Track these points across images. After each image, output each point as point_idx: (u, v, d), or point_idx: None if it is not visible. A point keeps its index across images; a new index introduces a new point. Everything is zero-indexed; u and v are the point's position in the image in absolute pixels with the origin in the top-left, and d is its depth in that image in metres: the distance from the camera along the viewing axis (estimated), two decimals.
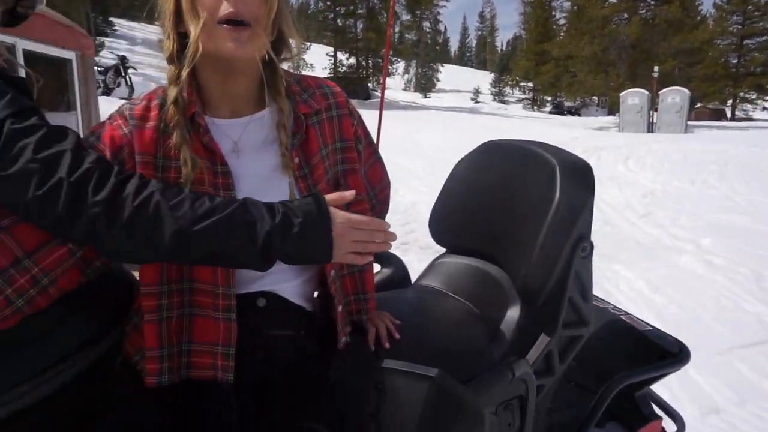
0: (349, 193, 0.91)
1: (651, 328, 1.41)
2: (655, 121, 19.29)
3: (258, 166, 0.95)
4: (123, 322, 0.97)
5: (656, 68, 21.09)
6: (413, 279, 1.52)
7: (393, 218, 5.69)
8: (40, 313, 0.85)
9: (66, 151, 0.79)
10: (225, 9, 0.85)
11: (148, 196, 0.80)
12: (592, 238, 1.13)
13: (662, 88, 19.70)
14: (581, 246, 1.12)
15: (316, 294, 1.08)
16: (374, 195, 1.17)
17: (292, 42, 0.96)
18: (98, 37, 24.81)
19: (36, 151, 0.77)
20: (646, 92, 19.69)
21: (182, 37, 0.90)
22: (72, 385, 0.89)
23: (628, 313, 1.50)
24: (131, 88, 14.91)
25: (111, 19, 33.85)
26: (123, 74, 15.27)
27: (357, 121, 1.06)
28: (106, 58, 18.34)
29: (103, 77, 14.51)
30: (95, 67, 12.25)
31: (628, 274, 3.98)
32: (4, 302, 0.82)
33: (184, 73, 0.89)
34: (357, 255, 0.88)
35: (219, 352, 0.92)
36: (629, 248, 4.77)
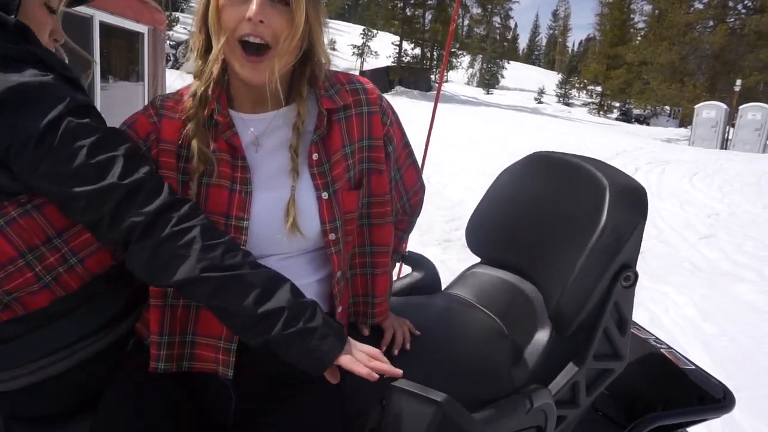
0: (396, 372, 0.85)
1: (694, 367, 1.32)
2: (730, 137, 18.21)
3: (273, 162, 0.94)
4: (142, 303, 0.99)
5: (738, 81, 19.85)
6: (444, 284, 1.48)
7: (438, 213, 5.62)
8: (70, 294, 0.88)
9: (119, 157, 0.81)
10: (244, 29, 0.84)
11: (188, 228, 0.81)
12: (645, 256, 1.06)
13: (743, 104, 18.55)
14: (624, 275, 1.05)
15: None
16: (407, 199, 1.14)
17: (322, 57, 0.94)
18: (173, 13, 25.72)
19: (90, 155, 0.79)
20: (724, 106, 18.61)
21: (210, 34, 0.90)
22: (91, 362, 0.91)
23: (670, 348, 1.41)
24: None
25: None
26: None
27: (391, 120, 1.03)
28: (180, 32, 19.03)
29: (174, 51, 15.07)
30: (168, 42, 12.76)
31: (678, 298, 3.77)
32: (33, 278, 0.85)
33: (202, 83, 0.90)
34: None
35: (221, 347, 0.92)
36: (684, 270, 4.51)
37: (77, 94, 0.85)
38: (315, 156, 0.94)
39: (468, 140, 11.17)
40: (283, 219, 0.91)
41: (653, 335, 1.47)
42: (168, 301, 0.92)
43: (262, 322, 0.81)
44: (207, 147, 0.91)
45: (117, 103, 5.21)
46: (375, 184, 1.01)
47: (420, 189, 1.17)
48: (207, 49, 0.91)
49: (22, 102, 0.78)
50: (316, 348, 0.81)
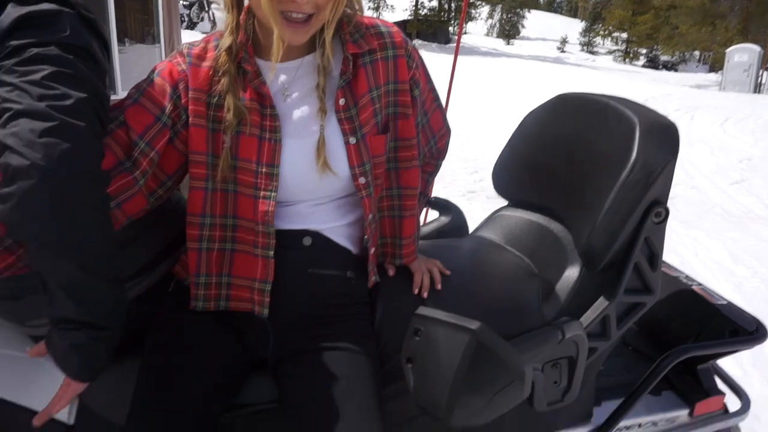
0: None
1: (726, 302, 1.32)
2: (764, 81, 17.47)
3: (302, 108, 0.95)
4: (179, 248, 1.01)
5: None
6: (471, 229, 1.49)
7: (461, 165, 5.59)
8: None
9: (76, 98, 0.74)
10: (288, 6, 0.84)
11: (99, 193, 0.77)
12: (675, 202, 1.04)
13: None
14: (655, 211, 1.04)
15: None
16: (434, 143, 1.14)
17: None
18: None
19: (47, 77, 0.74)
20: (757, 48, 17.76)
21: None
22: (129, 307, 0.94)
23: (701, 284, 1.40)
24: (213, 23, 15.28)
25: None
26: (206, 9, 15.63)
27: (416, 63, 1.02)
28: None
29: (187, 12, 14.89)
30: (180, 2, 12.60)
31: (708, 243, 3.72)
32: None
33: (234, 38, 0.90)
34: None
35: (256, 288, 0.95)
36: (714, 215, 4.44)
37: (86, 34, 0.82)
38: (342, 101, 0.94)
39: (489, 92, 10.96)
40: (313, 163, 0.93)
41: (684, 273, 1.47)
42: (204, 245, 0.96)
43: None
44: (246, 95, 0.92)
45: (135, 66, 5.22)
46: (402, 128, 1.01)
47: (446, 132, 1.17)
48: (237, 3, 0.91)
49: (28, 27, 0.77)
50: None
